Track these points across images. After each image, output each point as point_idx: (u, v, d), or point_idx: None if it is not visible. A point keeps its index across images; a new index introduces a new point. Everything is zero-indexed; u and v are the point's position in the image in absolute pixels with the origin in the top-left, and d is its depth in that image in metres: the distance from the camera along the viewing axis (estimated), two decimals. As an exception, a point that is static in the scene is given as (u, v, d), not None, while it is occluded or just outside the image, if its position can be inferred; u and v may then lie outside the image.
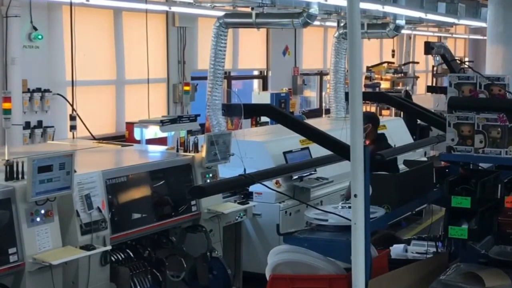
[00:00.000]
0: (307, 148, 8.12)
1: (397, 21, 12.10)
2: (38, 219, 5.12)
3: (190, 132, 8.71)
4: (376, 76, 17.61)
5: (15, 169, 5.20)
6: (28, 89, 9.88)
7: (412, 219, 10.20)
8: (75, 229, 5.37)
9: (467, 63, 20.26)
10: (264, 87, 15.80)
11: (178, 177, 6.53)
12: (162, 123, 8.34)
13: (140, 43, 11.50)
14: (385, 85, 17.44)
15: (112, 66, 11.87)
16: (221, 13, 9.30)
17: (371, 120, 7.60)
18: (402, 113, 13.23)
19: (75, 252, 5.26)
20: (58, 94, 10.31)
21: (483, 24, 14.95)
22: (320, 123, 9.07)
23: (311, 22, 9.32)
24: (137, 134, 8.97)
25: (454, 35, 22.73)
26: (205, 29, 12.47)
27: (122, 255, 5.79)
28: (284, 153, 7.88)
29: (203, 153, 6.60)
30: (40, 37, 9.92)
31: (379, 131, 8.01)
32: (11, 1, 9.36)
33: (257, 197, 7.41)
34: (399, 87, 17.51)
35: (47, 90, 10.13)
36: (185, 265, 6.16)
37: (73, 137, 9.88)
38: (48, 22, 10.26)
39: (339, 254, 3.92)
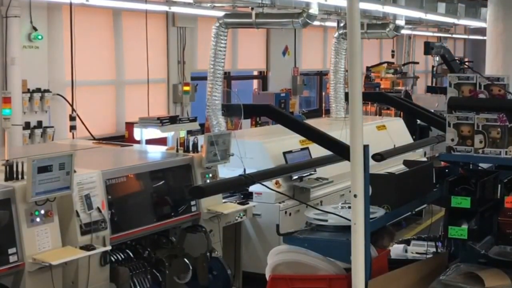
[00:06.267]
0: (307, 148, 8.12)
1: (397, 21, 12.09)
2: (38, 219, 5.12)
3: (190, 132, 8.71)
4: (376, 76, 17.62)
5: (15, 169, 5.19)
6: (28, 89, 9.86)
7: (412, 219, 10.21)
8: (75, 229, 5.37)
9: (467, 63, 20.26)
10: (264, 87, 15.79)
11: (178, 177, 6.53)
12: (161, 123, 8.35)
13: (140, 43, 11.50)
14: (385, 85, 17.45)
15: (112, 66, 11.87)
16: (221, 13, 9.28)
17: None
18: (402, 113, 13.24)
19: (75, 252, 5.26)
20: (58, 94, 10.30)
21: (483, 24, 14.92)
22: (320, 123, 9.06)
23: (311, 22, 9.31)
24: (137, 134, 8.96)
25: (453, 35, 22.73)
26: (205, 29, 12.47)
27: (122, 255, 5.79)
28: (284, 153, 7.87)
29: (203, 153, 6.59)
30: (40, 37, 9.90)
31: None
32: (11, 1, 9.34)
33: (257, 197, 7.41)
34: (399, 87, 17.51)
35: (47, 90, 10.12)
36: (191, 268, 6.12)
37: (73, 137, 9.88)
38: (48, 22, 10.24)
39: (339, 254, 3.92)
